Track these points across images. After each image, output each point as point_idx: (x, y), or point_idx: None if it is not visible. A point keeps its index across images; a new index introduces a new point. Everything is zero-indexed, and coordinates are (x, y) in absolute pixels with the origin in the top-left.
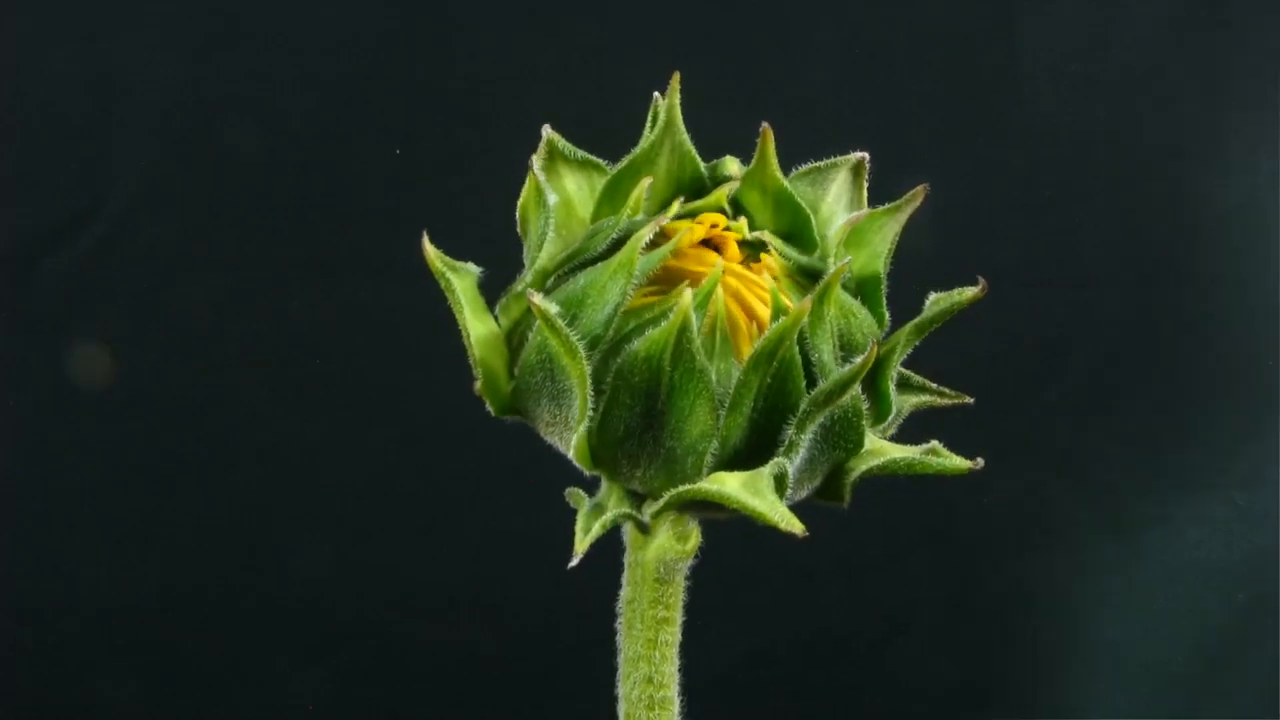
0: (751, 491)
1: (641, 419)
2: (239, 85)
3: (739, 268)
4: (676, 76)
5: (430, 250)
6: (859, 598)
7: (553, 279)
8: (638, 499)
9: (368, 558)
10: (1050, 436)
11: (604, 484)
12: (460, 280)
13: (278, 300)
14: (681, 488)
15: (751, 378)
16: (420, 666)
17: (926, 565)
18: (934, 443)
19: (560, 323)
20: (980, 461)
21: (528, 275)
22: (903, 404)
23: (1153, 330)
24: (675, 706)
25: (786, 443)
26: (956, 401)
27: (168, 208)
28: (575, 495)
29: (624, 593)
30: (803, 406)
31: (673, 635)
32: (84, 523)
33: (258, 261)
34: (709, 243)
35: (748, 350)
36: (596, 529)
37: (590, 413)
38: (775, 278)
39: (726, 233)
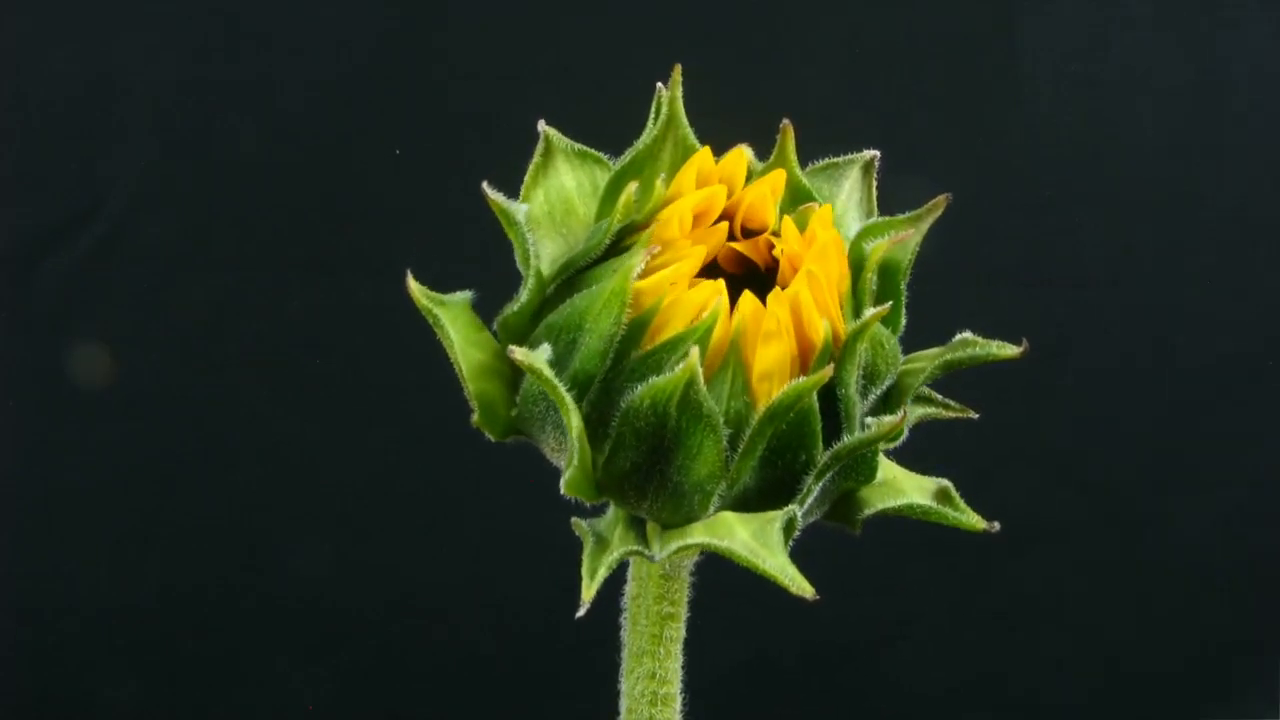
0: (761, 543)
1: (648, 458)
2: (239, 85)
3: (820, 250)
4: (678, 69)
5: (415, 288)
6: (860, 598)
7: (553, 288)
8: (642, 524)
9: (368, 558)
10: (1050, 436)
11: (610, 510)
12: (449, 312)
13: (278, 300)
14: (689, 540)
15: (766, 428)
16: (420, 666)
17: (927, 566)
18: (947, 484)
19: (548, 374)
20: (996, 525)
21: (523, 294)
22: (910, 415)
23: (1153, 330)
24: (678, 703)
25: (803, 491)
26: (961, 415)
27: (168, 208)
28: (579, 526)
29: (629, 588)
30: (822, 460)
31: (677, 631)
32: (84, 523)
33: (258, 261)
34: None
35: (773, 377)
36: (603, 572)
37: (575, 462)
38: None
39: (766, 190)
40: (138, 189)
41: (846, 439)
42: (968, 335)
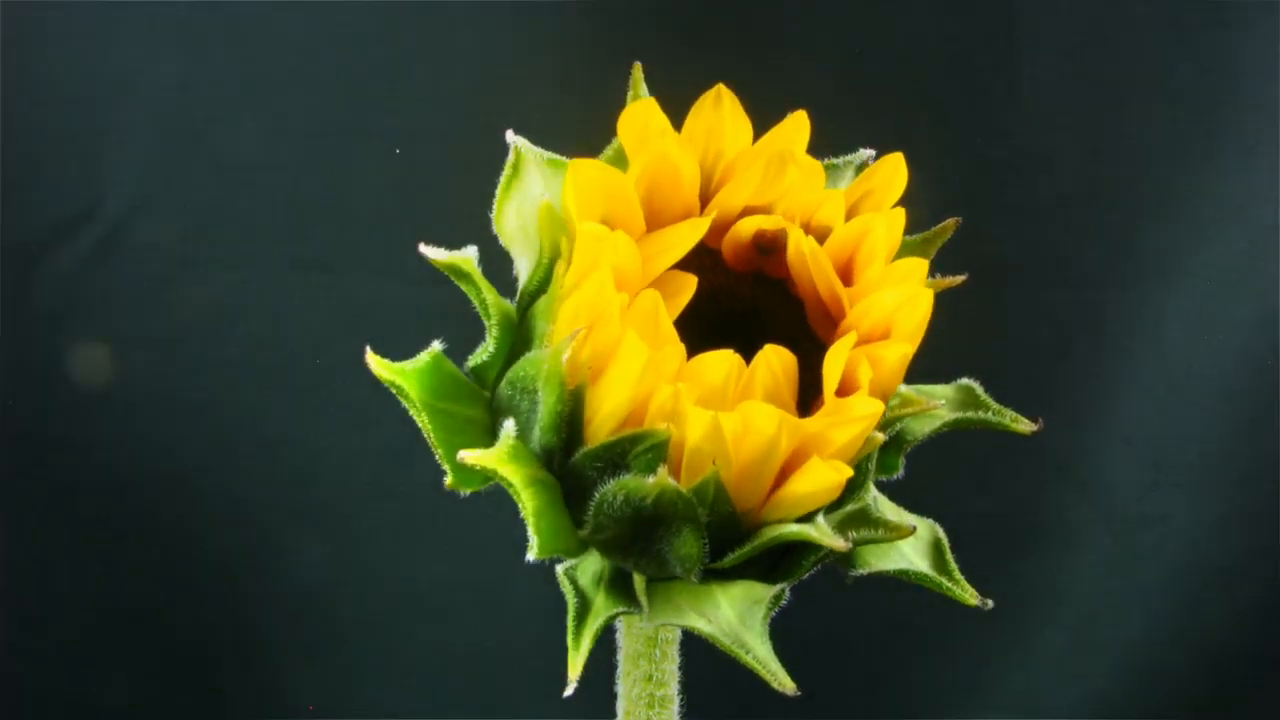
0: (745, 627)
1: (629, 534)
2: (239, 85)
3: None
4: (637, 68)
5: (374, 363)
6: (858, 596)
7: (519, 316)
8: (626, 576)
9: (368, 558)
10: (1050, 436)
11: (595, 558)
12: (412, 378)
13: (278, 300)
14: (673, 620)
15: (768, 545)
16: (420, 666)
17: None
18: (940, 536)
19: (504, 474)
20: (990, 602)
21: (490, 343)
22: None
23: (1153, 330)
24: (675, 705)
25: (798, 570)
26: (955, 427)
27: (168, 208)
28: (562, 579)
29: None
30: (823, 551)
31: (673, 633)
32: (84, 523)
33: (258, 261)
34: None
35: (811, 496)
36: (588, 643)
37: (535, 549)
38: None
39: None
40: (138, 189)
41: (851, 539)
42: (975, 387)
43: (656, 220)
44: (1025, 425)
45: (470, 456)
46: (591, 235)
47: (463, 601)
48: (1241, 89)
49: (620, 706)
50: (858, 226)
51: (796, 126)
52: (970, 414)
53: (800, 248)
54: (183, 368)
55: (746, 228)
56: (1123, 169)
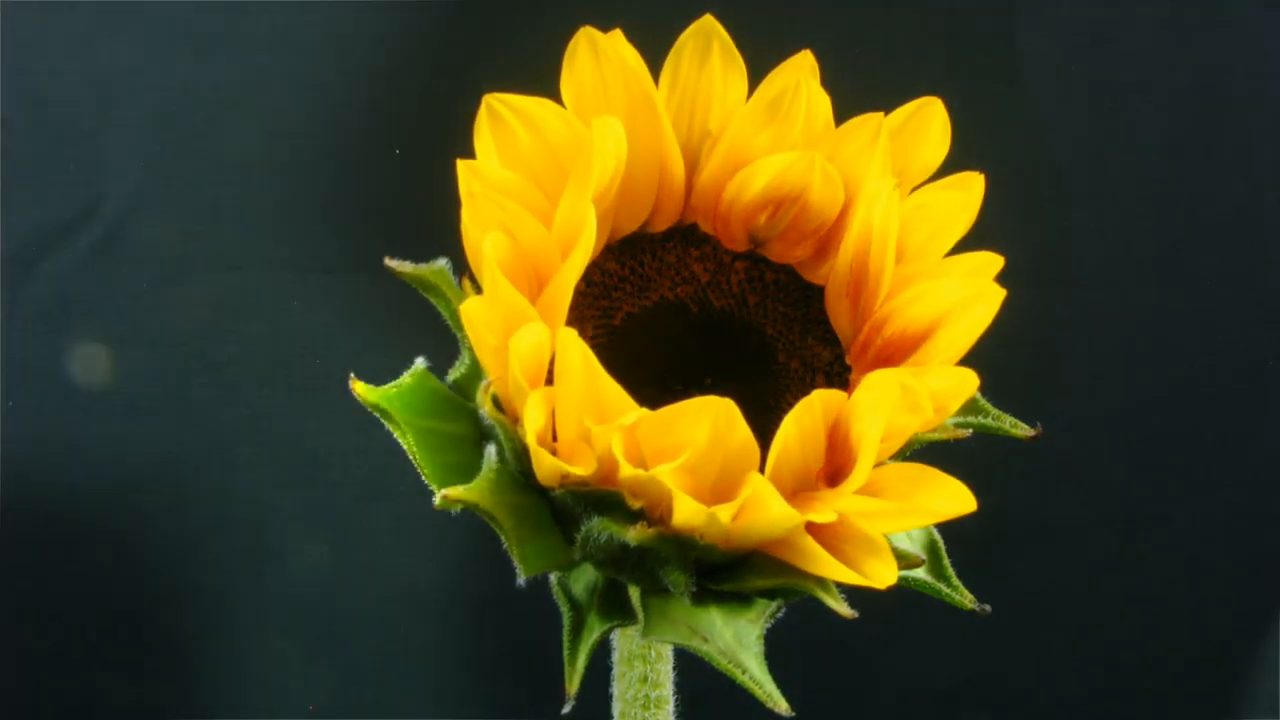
0: (741, 646)
1: (619, 558)
2: (239, 85)
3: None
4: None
5: (359, 388)
6: (858, 596)
7: None
8: (621, 587)
9: (368, 558)
10: (1050, 436)
11: (589, 570)
12: (395, 403)
13: (278, 300)
14: (668, 638)
15: None
16: (420, 666)
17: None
18: (937, 539)
19: (485, 507)
20: (988, 608)
21: (465, 355)
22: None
23: (1153, 330)
24: (671, 705)
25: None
26: (952, 436)
27: (168, 208)
28: (556, 591)
29: None
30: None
31: None
32: (84, 523)
33: (258, 261)
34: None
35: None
36: (583, 659)
37: (523, 573)
38: None
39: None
40: (138, 189)
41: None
42: (978, 397)
43: (628, 193)
44: (1024, 430)
45: (451, 492)
46: (478, 188)
47: (463, 601)
48: (1241, 89)
49: (616, 708)
50: (921, 200)
51: (802, 67)
52: (970, 419)
53: (870, 217)
54: (183, 368)
55: (756, 181)
56: (1123, 169)
